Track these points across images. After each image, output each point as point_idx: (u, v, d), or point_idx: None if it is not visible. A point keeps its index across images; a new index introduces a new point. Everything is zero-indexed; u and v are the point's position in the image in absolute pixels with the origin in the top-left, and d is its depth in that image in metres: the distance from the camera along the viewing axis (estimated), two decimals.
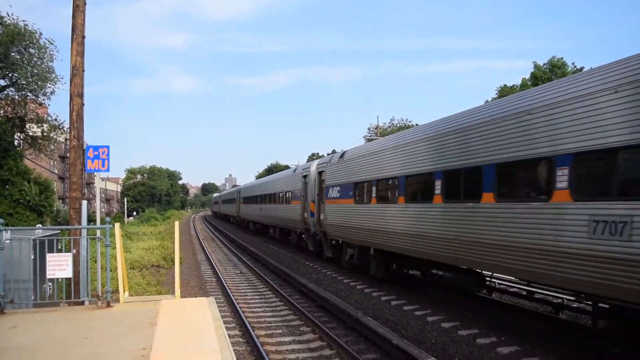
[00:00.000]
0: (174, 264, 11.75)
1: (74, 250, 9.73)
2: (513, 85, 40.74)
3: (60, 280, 9.88)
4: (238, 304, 13.59)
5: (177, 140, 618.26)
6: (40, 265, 8.94)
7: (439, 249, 11.49)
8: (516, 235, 8.90)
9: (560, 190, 8.00)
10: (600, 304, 9.16)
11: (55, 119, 32.39)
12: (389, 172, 14.42)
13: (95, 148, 11.30)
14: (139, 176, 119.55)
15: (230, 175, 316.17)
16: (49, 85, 29.26)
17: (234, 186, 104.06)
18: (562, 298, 12.11)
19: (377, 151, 15.65)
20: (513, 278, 13.39)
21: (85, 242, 10.30)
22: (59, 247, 10.16)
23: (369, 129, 62.22)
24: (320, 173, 21.07)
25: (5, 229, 8.55)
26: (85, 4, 10.94)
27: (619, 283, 7.01)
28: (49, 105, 32.76)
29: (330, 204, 19.22)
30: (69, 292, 9.63)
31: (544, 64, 37.99)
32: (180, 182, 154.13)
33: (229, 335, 7.27)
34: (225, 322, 9.05)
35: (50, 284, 10.01)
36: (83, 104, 11.03)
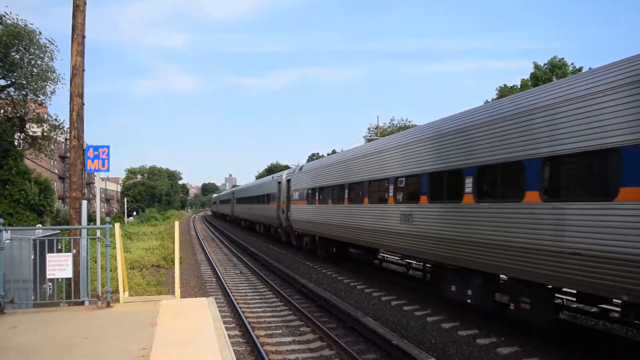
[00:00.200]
0: (174, 264, 11.75)
1: (74, 250, 9.73)
2: (513, 86, 40.72)
3: (60, 280, 9.87)
4: (238, 304, 13.59)
5: (177, 140, 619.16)
6: (40, 265, 8.94)
7: (366, 238, 15.99)
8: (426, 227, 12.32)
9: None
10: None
11: (56, 119, 32.44)
12: (328, 182, 20.03)
13: (95, 148, 11.29)
14: (139, 176, 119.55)
15: (230, 175, 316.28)
16: (49, 84, 29.27)
17: (234, 186, 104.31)
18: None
19: (321, 166, 21.95)
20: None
21: (85, 242, 10.31)
22: (59, 247, 10.16)
23: (369, 129, 62.28)
24: (288, 181, 27.04)
25: (5, 229, 8.55)
26: (85, 4, 10.94)
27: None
28: (49, 104, 32.75)
29: (294, 205, 25.21)
30: (69, 292, 9.63)
31: (544, 64, 37.98)
32: (180, 182, 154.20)
33: (228, 335, 7.28)
34: (225, 322, 9.05)
35: (50, 284, 10.01)
36: (83, 104, 11.03)
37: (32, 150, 32.26)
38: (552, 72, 36.98)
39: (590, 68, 12.34)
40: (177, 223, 10.65)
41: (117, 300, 9.26)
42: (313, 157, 78.68)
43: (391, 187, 14.08)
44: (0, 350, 6.22)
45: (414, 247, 12.69)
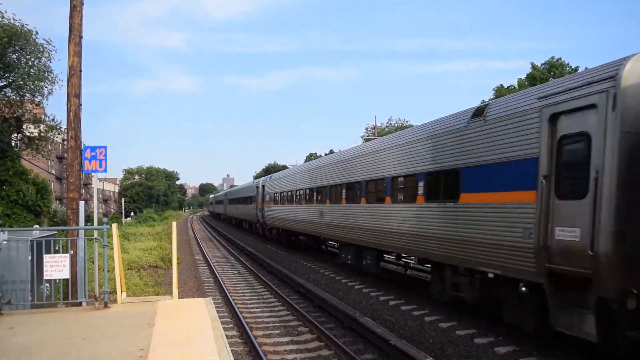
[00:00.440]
0: (171, 265, 11.75)
1: (72, 251, 9.70)
2: (510, 86, 40.84)
3: (57, 281, 9.84)
4: (236, 304, 13.58)
5: (175, 140, 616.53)
6: (37, 266, 8.92)
7: (308, 228, 22.80)
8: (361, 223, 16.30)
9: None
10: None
11: (53, 119, 32.38)
12: (285, 189, 27.61)
13: (93, 149, 11.25)
14: (136, 176, 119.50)
15: (228, 175, 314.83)
16: (46, 85, 29.22)
17: (232, 186, 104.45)
18: (406, 261, 13.34)
19: (280, 177, 30.52)
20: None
21: (82, 242, 10.27)
22: (57, 248, 10.13)
23: (366, 129, 62.23)
24: (263, 186, 34.44)
25: (2, 230, 8.53)
26: (82, 4, 10.91)
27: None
28: (46, 105, 32.76)
29: (266, 205, 32.90)
30: (67, 293, 9.59)
31: (542, 65, 38.08)
32: (177, 183, 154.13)
33: (226, 335, 7.27)
34: (223, 323, 9.05)
35: (47, 284, 9.97)
36: (80, 105, 11.01)
37: (29, 151, 32.20)
38: (549, 72, 37.07)
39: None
40: (174, 224, 10.64)
41: (115, 301, 9.26)
42: (311, 157, 78.72)
43: (314, 193, 21.93)
44: None
45: (326, 232, 20.41)
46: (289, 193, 26.40)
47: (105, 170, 11.42)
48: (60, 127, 31.47)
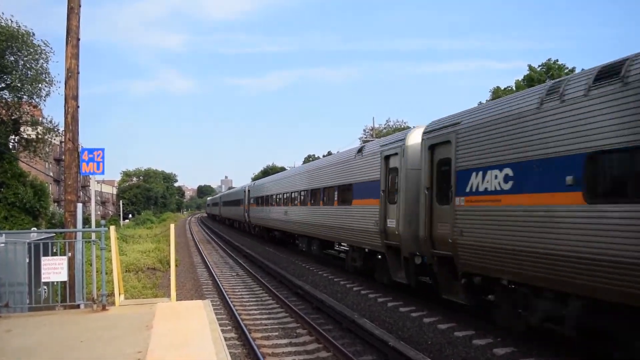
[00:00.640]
0: (170, 267, 11.73)
1: (69, 254, 9.68)
2: (507, 87, 40.92)
3: (55, 283, 9.83)
4: (234, 306, 13.56)
5: (173, 141, 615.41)
6: (35, 269, 8.90)
7: (280, 225, 28.85)
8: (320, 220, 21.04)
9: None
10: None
11: (50, 121, 32.33)
12: (263, 194, 33.86)
13: (90, 151, 11.23)
14: (134, 178, 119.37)
15: (226, 177, 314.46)
16: (44, 87, 29.20)
17: (230, 188, 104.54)
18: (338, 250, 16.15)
19: (261, 184, 36.65)
20: None
21: (80, 245, 10.26)
22: (54, 250, 10.12)
23: (364, 130, 62.25)
24: (248, 191, 40.80)
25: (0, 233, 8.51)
26: (80, 7, 10.90)
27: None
28: (44, 106, 32.68)
29: (251, 207, 39.32)
30: (64, 295, 9.58)
31: (539, 66, 38.16)
32: (176, 185, 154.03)
33: (225, 337, 7.27)
34: (221, 325, 9.05)
35: (45, 287, 9.96)
36: (78, 107, 10.99)
37: (27, 153, 32.15)
38: (547, 73, 37.16)
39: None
40: (172, 226, 10.63)
41: (113, 303, 9.24)
42: (309, 159, 78.70)
43: (281, 198, 28.38)
44: None
45: (292, 229, 26.09)
46: (266, 197, 32.83)
47: (102, 173, 11.41)
48: (57, 129, 31.43)
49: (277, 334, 11.20)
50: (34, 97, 29.76)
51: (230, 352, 6.46)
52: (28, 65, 28.48)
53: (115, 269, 9.49)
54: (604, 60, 8.44)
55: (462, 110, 11.34)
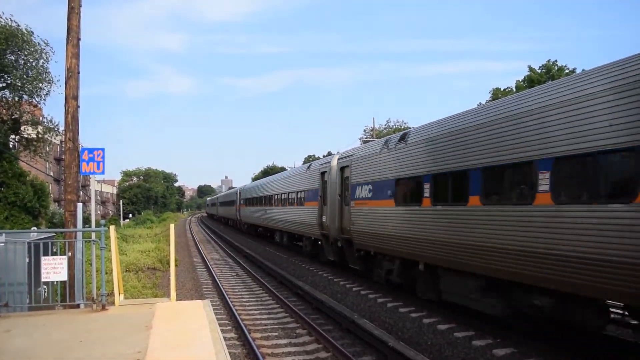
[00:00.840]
0: (169, 267, 11.73)
1: (69, 253, 9.68)
2: (507, 88, 40.93)
3: (55, 283, 9.83)
4: (234, 306, 13.56)
5: (173, 141, 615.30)
6: (35, 268, 8.90)
7: (263, 222, 34.52)
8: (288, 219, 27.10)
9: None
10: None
11: (50, 121, 32.32)
12: (253, 195, 38.46)
13: (91, 150, 11.23)
14: (134, 178, 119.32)
15: (226, 177, 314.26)
16: (44, 86, 29.20)
17: (230, 188, 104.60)
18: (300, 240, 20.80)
19: (250, 187, 42.43)
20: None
21: (80, 245, 10.26)
22: (54, 250, 10.12)
23: (364, 130, 62.17)
24: (239, 192, 47.34)
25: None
26: (80, 6, 10.90)
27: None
28: (44, 105, 32.73)
29: (241, 207, 45.23)
30: (64, 295, 9.58)
31: (539, 68, 38.19)
32: (176, 184, 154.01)
33: (224, 338, 7.27)
34: (221, 325, 9.04)
35: (45, 287, 9.96)
36: (78, 106, 10.99)
37: (27, 153, 32.15)
38: (547, 74, 37.19)
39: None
40: (172, 226, 10.63)
41: (113, 303, 9.24)
42: (309, 159, 78.73)
43: (266, 199, 32.63)
44: None
45: (270, 224, 31.93)
46: (253, 199, 38.61)
47: (103, 173, 11.41)
48: (57, 129, 31.43)
49: (276, 334, 11.20)
50: (34, 96, 29.77)
51: (229, 352, 6.46)
52: (28, 65, 28.49)
53: (115, 268, 9.49)
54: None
55: (356, 146, 20.36)
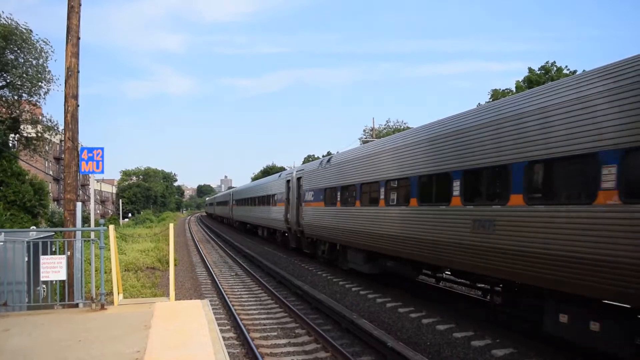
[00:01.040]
0: (169, 266, 11.73)
1: (68, 253, 9.68)
2: (506, 89, 40.99)
3: (54, 282, 9.83)
4: (233, 306, 13.56)
5: (173, 141, 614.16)
6: (34, 268, 8.89)
7: (251, 220, 40.88)
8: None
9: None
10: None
11: (50, 120, 32.30)
12: (244, 196, 44.17)
13: (90, 150, 11.25)
14: (134, 178, 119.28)
15: (225, 176, 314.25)
16: (43, 85, 29.17)
17: (229, 188, 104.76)
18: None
19: (242, 189, 49.10)
20: None
21: (79, 244, 10.26)
22: (53, 249, 10.10)
23: (364, 130, 62.19)
24: (233, 194, 54.36)
25: None
26: (80, 5, 10.89)
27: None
28: (43, 104, 32.73)
29: (234, 206, 51.29)
30: (63, 294, 9.58)
31: (538, 69, 38.32)
32: (175, 184, 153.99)
33: (223, 337, 7.26)
34: (220, 325, 9.04)
35: (44, 286, 9.95)
36: (78, 106, 10.98)
37: (27, 152, 32.12)
38: (546, 75, 37.27)
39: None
40: (171, 225, 10.62)
41: (112, 303, 9.23)
42: (309, 159, 78.76)
43: (252, 200, 38.38)
44: None
45: (254, 221, 38.71)
46: (242, 200, 45.00)
47: (102, 172, 11.43)
48: (57, 128, 31.40)
49: (275, 333, 11.20)
50: (34, 95, 29.75)
51: (228, 352, 6.45)
52: (28, 63, 28.46)
53: (114, 268, 9.48)
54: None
55: (307, 163, 25.95)
